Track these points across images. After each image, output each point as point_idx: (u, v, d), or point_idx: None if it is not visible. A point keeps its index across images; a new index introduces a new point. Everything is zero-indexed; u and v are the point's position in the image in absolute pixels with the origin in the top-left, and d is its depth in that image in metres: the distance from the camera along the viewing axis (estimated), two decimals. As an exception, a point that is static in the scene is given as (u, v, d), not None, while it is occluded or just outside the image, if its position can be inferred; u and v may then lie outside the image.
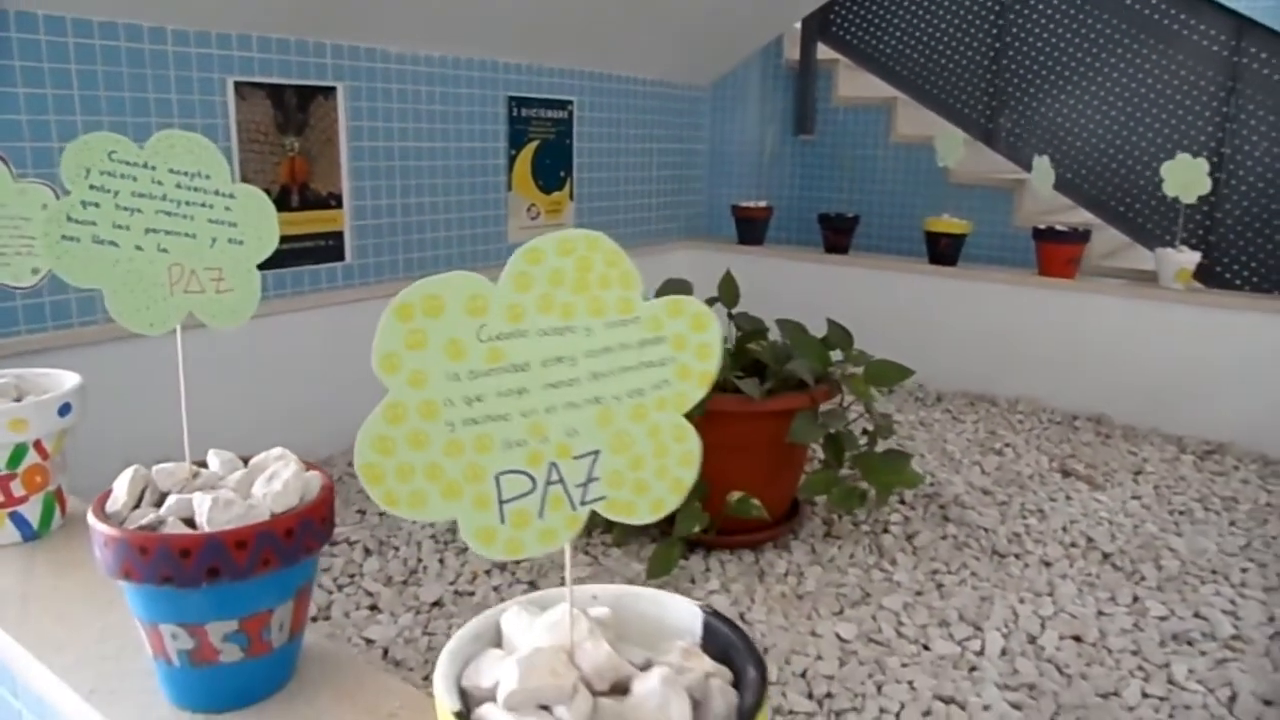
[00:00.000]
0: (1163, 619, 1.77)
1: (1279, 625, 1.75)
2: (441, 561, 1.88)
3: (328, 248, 2.30)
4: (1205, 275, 3.21)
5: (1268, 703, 1.53)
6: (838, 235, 3.31)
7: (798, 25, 3.78)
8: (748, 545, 1.97)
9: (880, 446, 2.05)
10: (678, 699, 0.47)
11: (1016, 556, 2.00)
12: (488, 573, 1.84)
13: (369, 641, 1.60)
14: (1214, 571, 1.95)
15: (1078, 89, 3.36)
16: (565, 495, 0.49)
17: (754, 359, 1.92)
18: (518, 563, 1.87)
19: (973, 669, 1.59)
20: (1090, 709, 1.49)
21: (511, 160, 2.76)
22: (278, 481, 0.74)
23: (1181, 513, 2.25)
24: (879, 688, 1.52)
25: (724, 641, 0.54)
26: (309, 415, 2.28)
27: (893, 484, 1.93)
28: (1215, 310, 2.64)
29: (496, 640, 0.57)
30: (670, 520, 1.80)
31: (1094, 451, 2.61)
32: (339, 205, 2.31)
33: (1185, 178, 2.66)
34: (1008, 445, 2.64)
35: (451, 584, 1.80)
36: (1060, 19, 3.37)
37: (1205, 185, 2.67)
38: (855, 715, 1.44)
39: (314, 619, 1.65)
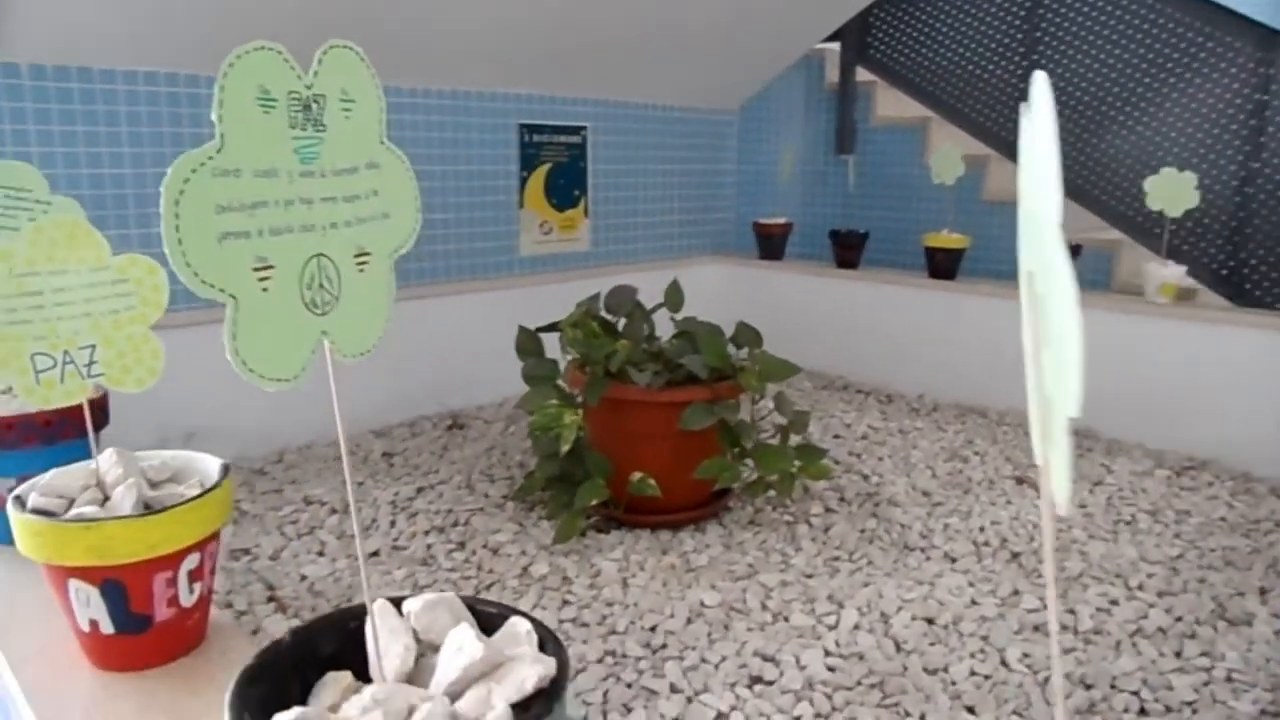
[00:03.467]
0: (1030, 611, 1.84)
1: (1147, 623, 1.79)
2: (393, 523, 2.18)
3: (343, 256, 2.68)
4: (1237, 293, 3.13)
5: (1089, 686, 1.60)
6: (846, 251, 3.43)
7: (837, 48, 3.94)
8: (667, 525, 2.17)
9: (794, 440, 2.21)
10: (131, 495, 0.75)
11: (922, 550, 2.10)
12: (426, 533, 2.13)
13: (303, 577, 1.92)
14: (1117, 575, 1.99)
15: (1107, 105, 3.35)
16: (77, 370, 0.77)
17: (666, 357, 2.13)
18: (454, 525, 2.16)
19: (817, 638, 1.74)
20: (908, 677, 1.61)
21: (523, 181, 3.08)
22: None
23: (1126, 522, 2.27)
24: (712, 644, 1.70)
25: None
26: (327, 400, 2.66)
27: (789, 472, 2.08)
28: (1199, 325, 2.61)
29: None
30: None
31: (1067, 463, 2.63)
32: (354, 220, 2.68)
33: (1170, 192, 2.65)
34: (977, 454, 2.70)
35: (394, 540, 2.10)
36: (1091, 38, 3.37)
37: (1192, 199, 2.64)
38: (676, 662, 1.63)
39: (271, 559, 1.99)
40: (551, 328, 2.30)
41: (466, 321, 2.95)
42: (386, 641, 0.55)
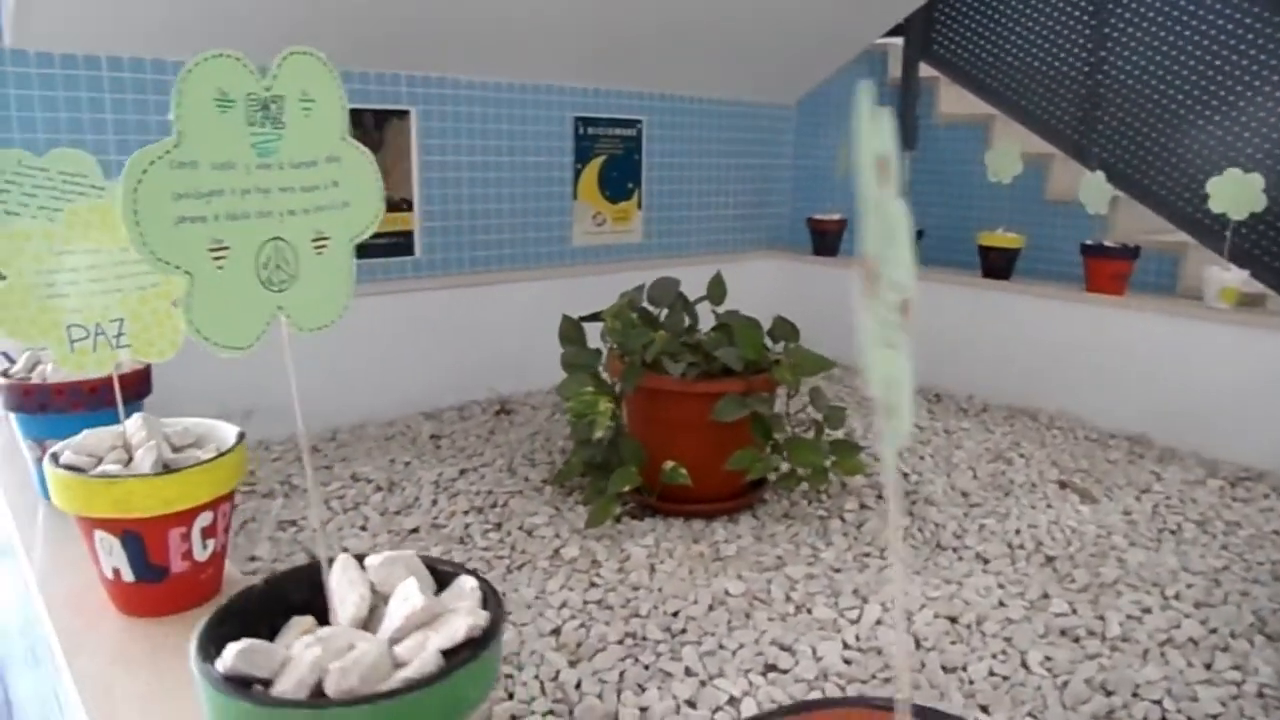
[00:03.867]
0: (1059, 615, 1.82)
1: (1179, 633, 1.76)
2: (434, 502, 2.26)
3: (399, 244, 2.78)
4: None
5: (1109, 692, 1.59)
6: (900, 248, 3.40)
7: (900, 43, 3.90)
8: (701, 515, 2.20)
9: (832, 436, 2.21)
10: (151, 456, 0.81)
11: (954, 550, 2.09)
12: (465, 513, 2.20)
13: (345, 550, 2.00)
14: (1154, 584, 1.96)
15: (1175, 103, 3.25)
16: (108, 342, 0.84)
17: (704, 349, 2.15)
18: (492, 506, 2.22)
19: (837, 631, 1.75)
20: (924, 674, 1.62)
21: (577, 172, 3.13)
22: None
23: (1171, 531, 2.22)
24: (731, 631, 1.72)
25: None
26: (381, 382, 2.76)
27: (821, 466, 2.09)
28: (1260, 331, 2.53)
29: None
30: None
31: (1116, 469, 2.58)
32: (409, 208, 2.77)
33: (1234, 194, 2.57)
34: (1022, 456, 2.66)
35: (434, 519, 2.18)
36: (1159, 32, 3.28)
37: (1258, 202, 2.56)
38: (694, 647, 1.66)
39: (315, 531, 2.08)
40: (594, 317, 2.34)
41: (518, 309, 3.02)
42: (345, 591, 0.60)
